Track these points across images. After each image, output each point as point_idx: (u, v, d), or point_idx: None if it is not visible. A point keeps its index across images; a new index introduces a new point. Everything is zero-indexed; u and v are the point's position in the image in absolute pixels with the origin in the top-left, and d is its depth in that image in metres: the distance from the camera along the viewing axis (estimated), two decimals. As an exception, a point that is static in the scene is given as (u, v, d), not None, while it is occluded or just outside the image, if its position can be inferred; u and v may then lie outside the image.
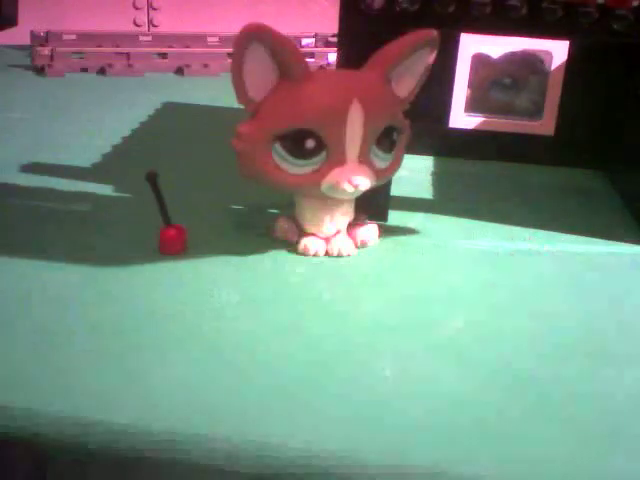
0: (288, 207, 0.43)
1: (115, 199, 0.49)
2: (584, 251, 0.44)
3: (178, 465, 0.27)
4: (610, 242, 0.45)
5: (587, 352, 0.33)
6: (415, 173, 0.56)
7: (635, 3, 0.39)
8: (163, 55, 0.93)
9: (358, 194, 0.40)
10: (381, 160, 0.40)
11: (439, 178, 0.56)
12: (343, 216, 0.41)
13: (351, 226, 0.42)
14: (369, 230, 0.43)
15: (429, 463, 0.26)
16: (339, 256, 0.41)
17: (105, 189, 0.50)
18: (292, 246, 0.42)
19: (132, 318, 0.34)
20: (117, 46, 0.93)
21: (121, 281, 0.38)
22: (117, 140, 0.61)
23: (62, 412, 0.28)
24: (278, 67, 0.37)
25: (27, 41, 0.95)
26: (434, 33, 0.39)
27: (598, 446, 0.27)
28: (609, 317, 0.37)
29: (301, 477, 0.26)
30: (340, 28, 0.43)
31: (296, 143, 0.37)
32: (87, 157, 0.56)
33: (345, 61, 0.43)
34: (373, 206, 0.45)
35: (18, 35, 0.91)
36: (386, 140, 0.39)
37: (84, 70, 0.88)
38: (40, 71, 0.86)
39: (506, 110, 0.58)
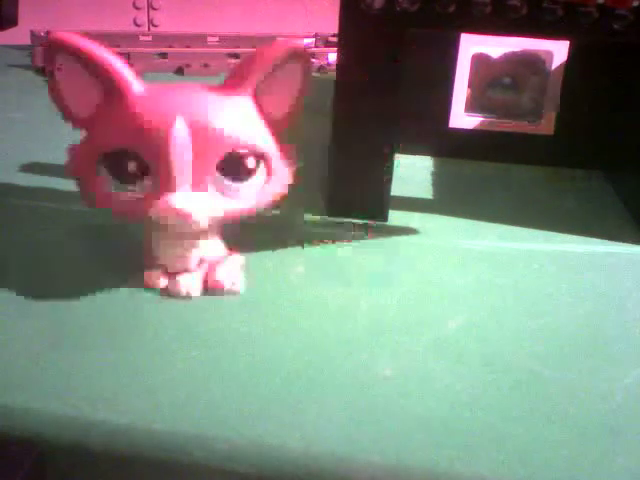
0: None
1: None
2: (584, 251, 0.44)
3: (178, 465, 0.27)
4: (610, 242, 0.45)
5: (587, 352, 0.34)
6: (415, 173, 0.56)
7: (635, 3, 0.39)
8: (163, 55, 0.93)
9: (200, 227, 0.34)
10: (231, 190, 0.34)
11: (439, 178, 0.56)
12: (193, 250, 0.36)
13: (208, 263, 0.37)
14: (227, 272, 0.37)
15: (429, 463, 0.26)
16: (181, 297, 0.36)
17: (105, 189, 0.50)
18: (292, 246, 0.42)
19: (132, 318, 0.34)
20: (117, 46, 0.93)
21: (121, 281, 0.38)
22: (117, 140, 0.61)
23: (62, 412, 0.28)
24: (99, 83, 0.33)
25: (27, 41, 0.95)
26: (298, 46, 0.34)
27: (598, 446, 0.27)
28: (609, 317, 0.37)
29: (301, 477, 0.26)
30: (340, 28, 0.43)
31: (118, 165, 0.33)
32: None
33: (345, 61, 0.43)
34: (373, 206, 0.45)
35: (18, 35, 0.91)
36: (235, 167, 0.33)
37: (84, 70, 0.88)
38: (40, 71, 0.86)
39: (506, 110, 0.58)
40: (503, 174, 0.57)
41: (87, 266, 0.39)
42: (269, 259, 0.41)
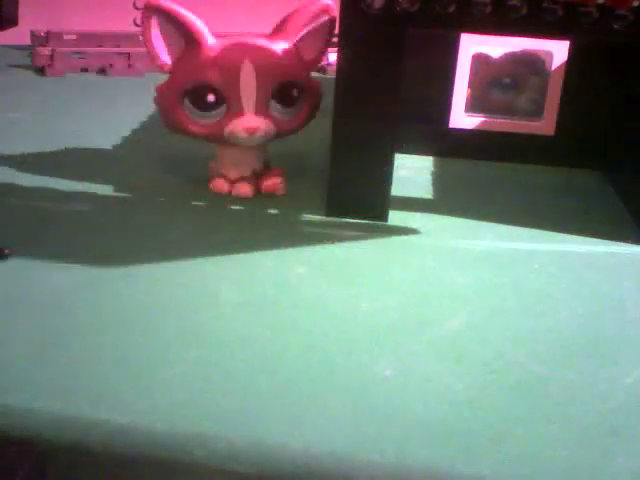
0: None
1: (115, 199, 0.49)
2: (584, 251, 0.44)
3: (178, 465, 0.27)
4: (610, 242, 0.45)
5: (587, 352, 0.34)
6: (415, 173, 0.56)
7: (635, 3, 0.39)
8: (163, 55, 0.93)
9: (258, 141, 0.47)
10: (281, 113, 0.47)
11: (439, 178, 0.56)
12: (252, 162, 0.49)
13: (259, 174, 0.49)
14: (274, 180, 0.49)
15: (429, 463, 0.26)
16: (240, 196, 0.48)
17: (105, 189, 0.50)
18: (293, 246, 0.42)
19: (132, 318, 0.34)
20: (117, 46, 0.93)
21: (121, 281, 0.38)
22: (117, 140, 0.61)
23: (62, 412, 0.28)
24: (181, 36, 0.46)
25: (27, 41, 0.95)
26: (329, 5, 0.47)
27: (598, 446, 0.27)
28: (609, 317, 0.37)
29: (301, 477, 0.26)
30: (340, 28, 0.43)
31: (199, 97, 0.46)
32: (87, 157, 0.56)
33: (345, 60, 0.43)
34: (373, 206, 0.45)
35: (18, 35, 0.91)
36: (284, 95, 0.46)
37: (84, 70, 0.88)
38: (40, 71, 0.86)
39: (506, 110, 0.58)
40: (503, 174, 0.57)
41: (87, 266, 0.39)
42: (269, 259, 0.41)
